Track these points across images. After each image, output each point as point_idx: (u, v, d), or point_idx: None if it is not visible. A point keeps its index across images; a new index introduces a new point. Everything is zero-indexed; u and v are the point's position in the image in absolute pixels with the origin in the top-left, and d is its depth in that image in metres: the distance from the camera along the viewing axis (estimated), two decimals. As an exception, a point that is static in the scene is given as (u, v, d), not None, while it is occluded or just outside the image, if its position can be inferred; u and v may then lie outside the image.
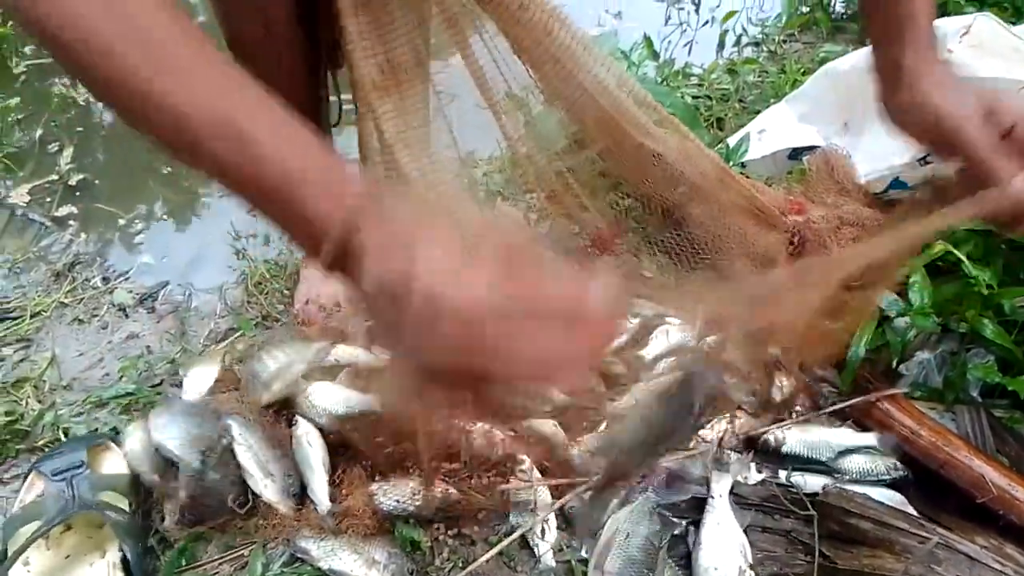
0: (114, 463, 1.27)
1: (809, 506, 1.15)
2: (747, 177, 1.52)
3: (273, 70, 1.30)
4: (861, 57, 1.58)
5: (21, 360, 1.52)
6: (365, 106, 1.34)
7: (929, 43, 0.93)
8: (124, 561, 1.14)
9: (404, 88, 1.32)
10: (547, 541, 1.15)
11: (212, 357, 1.42)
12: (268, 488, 1.21)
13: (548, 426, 1.27)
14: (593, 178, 1.63)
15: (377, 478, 1.22)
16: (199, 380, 1.37)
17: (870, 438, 1.24)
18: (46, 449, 1.33)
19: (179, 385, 1.40)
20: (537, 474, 1.21)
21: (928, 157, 1.35)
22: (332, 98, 1.47)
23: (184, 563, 1.16)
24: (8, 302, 1.65)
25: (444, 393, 0.59)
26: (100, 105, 2.24)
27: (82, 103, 2.23)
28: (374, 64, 1.29)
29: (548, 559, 1.13)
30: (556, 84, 1.39)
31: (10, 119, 2.14)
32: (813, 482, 1.20)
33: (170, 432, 1.23)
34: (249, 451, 1.23)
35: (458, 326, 0.51)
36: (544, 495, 1.19)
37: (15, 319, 1.60)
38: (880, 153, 1.46)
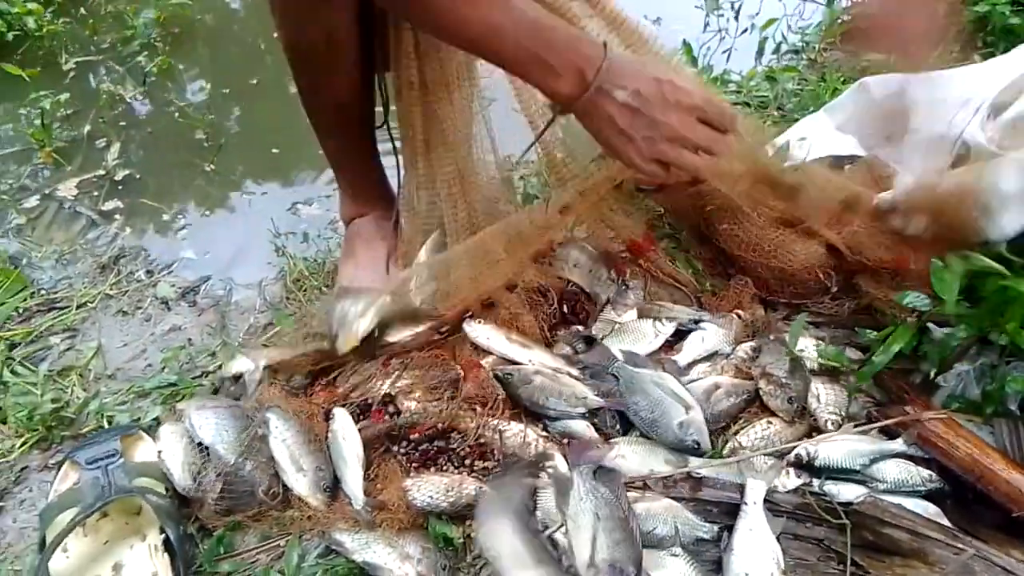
0: (147, 452, 1.31)
1: (843, 515, 1.14)
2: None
3: (331, 73, 1.35)
4: (894, 83, 1.56)
5: (67, 349, 1.57)
6: (415, 107, 1.37)
7: None
8: (166, 543, 1.17)
9: (453, 91, 1.35)
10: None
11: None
12: (299, 483, 1.24)
13: (581, 426, 1.28)
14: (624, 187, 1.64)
15: (411, 473, 1.23)
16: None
17: (898, 444, 1.23)
18: (90, 437, 1.36)
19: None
20: (568, 472, 1.21)
21: None
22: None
23: (222, 551, 1.19)
24: (55, 292, 1.69)
25: (664, 166, 1.05)
26: (146, 103, 2.30)
27: (129, 100, 2.29)
28: (428, 68, 1.32)
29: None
30: None
31: (59, 114, 2.20)
32: (847, 491, 1.19)
33: (207, 428, 1.27)
34: (283, 445, 1.26)
35: (683, 112, 1.01)
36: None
37: (62, 309, 1.65)
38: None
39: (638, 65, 1.00)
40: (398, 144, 1.50)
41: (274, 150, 2.11)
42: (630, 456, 1.24)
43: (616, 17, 1.35)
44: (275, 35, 1.37)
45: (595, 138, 1.08)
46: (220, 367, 1.47)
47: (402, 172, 1.53)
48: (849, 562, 1.10)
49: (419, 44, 1.32)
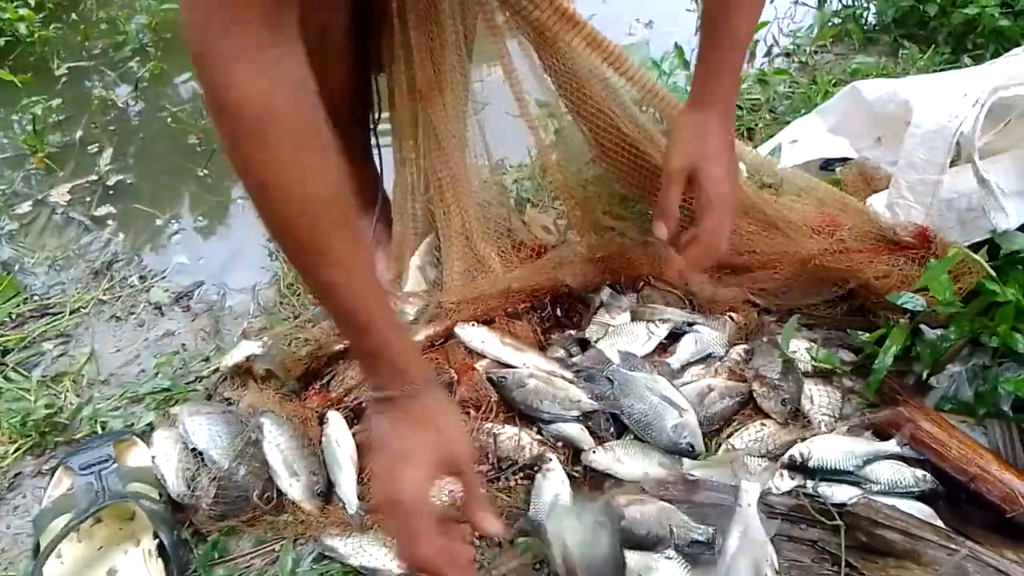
0: (141, 457, 1.30)
1: (836, 516, 1.14)
2: (775, 192, 1.53)
3: (325, 74, 1.35)
4: (885, 87, 1.57)
5: (60, 355, 1.56)
6: (408, 111, 1.38)
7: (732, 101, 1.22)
8: (159, 548, 1.17)
9: (446, 95, 1.35)
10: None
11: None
12: (293, 487, 1.23)
13: (575, 429, 1.28)
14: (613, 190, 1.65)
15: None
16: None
17: (891, 445, 1.23)
18: (83, 443, 1.35)
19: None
20: (564, 475, 1.21)
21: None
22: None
23: (217, 556, 1.18)
24: (48, 298, 1.69)
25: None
26: (138, 108, 2.29)
27: (121, 105, 2.29)
28: (422, 71, 1.32)
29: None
30: (579, 104, 1.42)
31: (51, 120, 2.20)
32: (840, 492, 1.20)
33: (201, 433, 1.26)
34: (276, 450, 1.26)
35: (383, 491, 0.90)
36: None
37: (55, 315, 1.65)
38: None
39: (409, 431, 0.89)
40: (387, 146, 1.50)
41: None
42: (624, 459, 1.24)
43: (595, 38, 1.39)
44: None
45: None
46: (215, 371, 1.47)
47: (391, 174, 1.53)
48: (843, 564, 1.10)
49: (413, 47, 1.33)
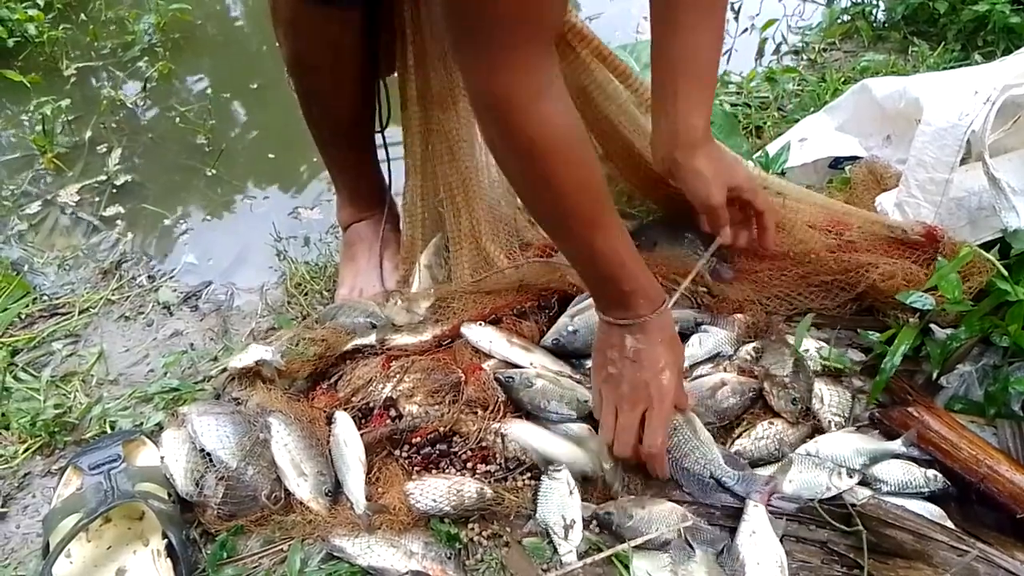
0: (150, 457, 1.30)
1: (856, 518, 1.13)
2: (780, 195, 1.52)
3: (336, 84, 1.38)
4: (895, 85, 1.56)
5: (70, 355, 1.57)
6: (419, 119, 1.39)
7: (708, 117, 1.28)
8: (168, 548, 1.17)
9: (458, 101, 1.36)
10: (570, 541, 1.15)
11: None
12: (301, 487, 1.24)
13: (583, 429, 1.28)
14: (620, 188, 1.65)
15: (413, 477, 1.23)
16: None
17: (897, 444, 1.23)
18: (92, 442, 1.36)
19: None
20: (569, 476, 1.21)
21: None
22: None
23: (225, 556, 1.18)
24: (58, 298, 1.70)
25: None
26: (147, 109, 2.30)
27: (130, 106, 2.29)
28: (435, 79, 1.33)
29: (570, 559, 1.14)
30: (583, 109, 1.43)
31: (60, 120, 2.20)
32: (850, 493, 1.19)
33: (209, 433, 1.27)
34: (284, 449, 1.26)
35: (635, 389, 1.15)
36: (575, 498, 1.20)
37: (64, 315, 1.65)
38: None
39: (668, 346, 1.15)
40: (396, 150, 1.51)
41: (270, 155, 2.12)
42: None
43: (601, 51, 1.41)
44: (277, 44, 1.38)
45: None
46: (224, 370, 1.47)
47: (400, 177, 1.54)
48: (866, 573, 1.09)
49: (425, 55, 1.34)
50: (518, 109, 0.93)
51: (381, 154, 1.60)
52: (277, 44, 1.38)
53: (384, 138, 1.55)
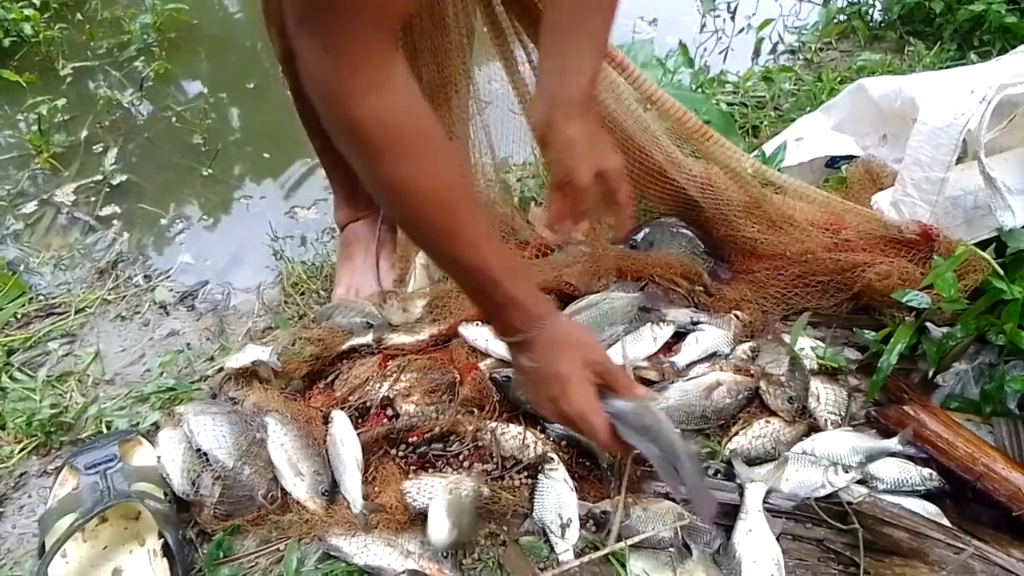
0: (146, 456, 1.30)
1: (853, 516, 1.13)
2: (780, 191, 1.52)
3: None
4: (891, 84, 1.57)
5: (66, 354, 1.56)
6: None
7: (592, 83, 1.16)
8: (164, 548, 1.16)
9: (451, 97, 1.36)
10: (567, 540, 1.15)
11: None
12: (297, 487, 1.24)
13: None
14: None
15: (410, 476, 1.23)
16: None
17: (893, 443, 1.23)
18: (88, 442, 1.35)
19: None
20: (567, 475, 1.21)
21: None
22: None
23: (222, 555, 1.18)
24: (54, 298, 1.69)
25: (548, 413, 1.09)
26: (143, 108, 2.30)
27: (126, 105, 2.29)
28: (427, 73, 1.33)
29: (567, 557, 1.14)
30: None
31: (56, 120, 2.20)
32: (846, 491, 1.19)
33: (206, 433, 1.27)
34: (281, 449, 1.26)
35: (549, 399, 1.06)
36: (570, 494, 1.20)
37: (60, 314, 1.65)
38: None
39: (557, 351, 1.04)
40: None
41: (265, 155, 2.12)
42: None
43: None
44: (271, 44, 1.37)
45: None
46: (220, 370, 1.47)
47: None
48: (863, 570, 1.09)
49: (417, 49, 1.33)
50: (351, 100, 0.84)
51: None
52: (271, 44, 1.37)
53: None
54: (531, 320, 1.02)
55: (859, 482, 1.20)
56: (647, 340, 1.39)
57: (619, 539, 1.13)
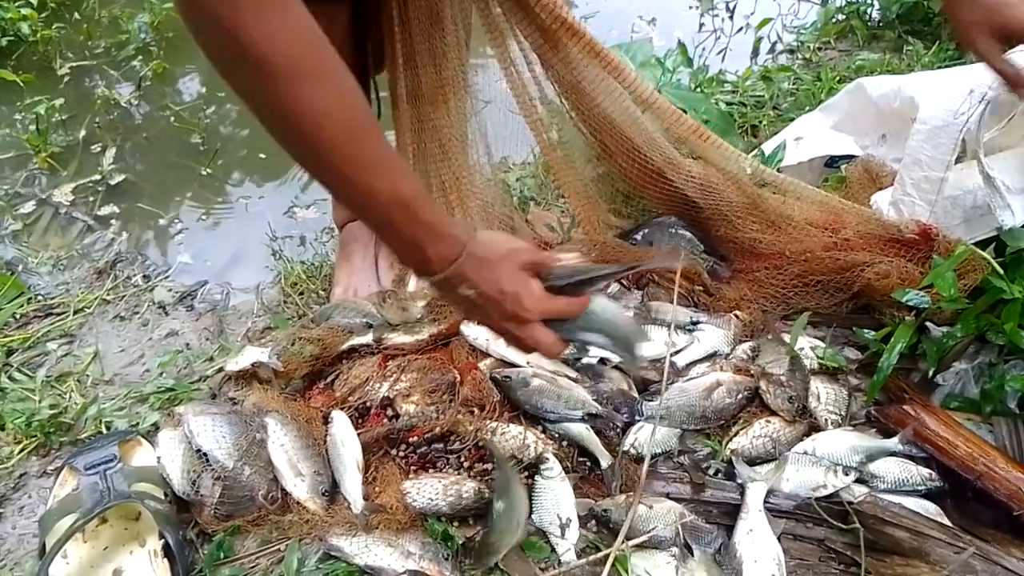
0: (146, 457, 1.30)
1: (854, 516, 1.13)
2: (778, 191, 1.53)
3: None
4: (890, 83, 1.57)
5: (65, 355, 1.56)
6: (411, 116, 1.38)
7: None
8: (165, 549, 1.16)
9: (449, 98, 1.36)
10: (568, 540, 1.15)
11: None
12: (298, 487, 1.24)
13: (580, 429, 1.28)
14: (617, 188, 1.66)
15: (410, 476, 1.23)
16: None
17: (893, 442, 1.23)
18: (88, 443, 1.35)
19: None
20: (564, 474, 1.21)
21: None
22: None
23: (222, 556, 1.18)
24: (52, 298, 1.69)
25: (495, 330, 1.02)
26: (141, 108, 2.29)
27: (124, 105, 2.28)
28: (425, 76, 1.33)
29: (568, 557, 1.14)
30: (579, 106, 1.46)
31: (55, 120, 2.19)
32: (847, 490, 1.19)
33: (206, 433, 1.27)
34: (281, 449, 1.26)
35: (505, 317, 0.98)
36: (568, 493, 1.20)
37: (59, 315, 1.64)
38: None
39: (493, 269, 0.97)
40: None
41: (261, 155, 2.11)
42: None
43: (594, 47, 1.38)
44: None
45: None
46: (219, 370, 1.47)
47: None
48: (864, 570, 1.09)
49: (414, 53, 1.33)
50: (244, 23, 0.78)
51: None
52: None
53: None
54: (457, 245, 0.95)
55: (859, 482, 1.20)
56: (655, 341, 1.39)
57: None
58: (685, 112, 1.47)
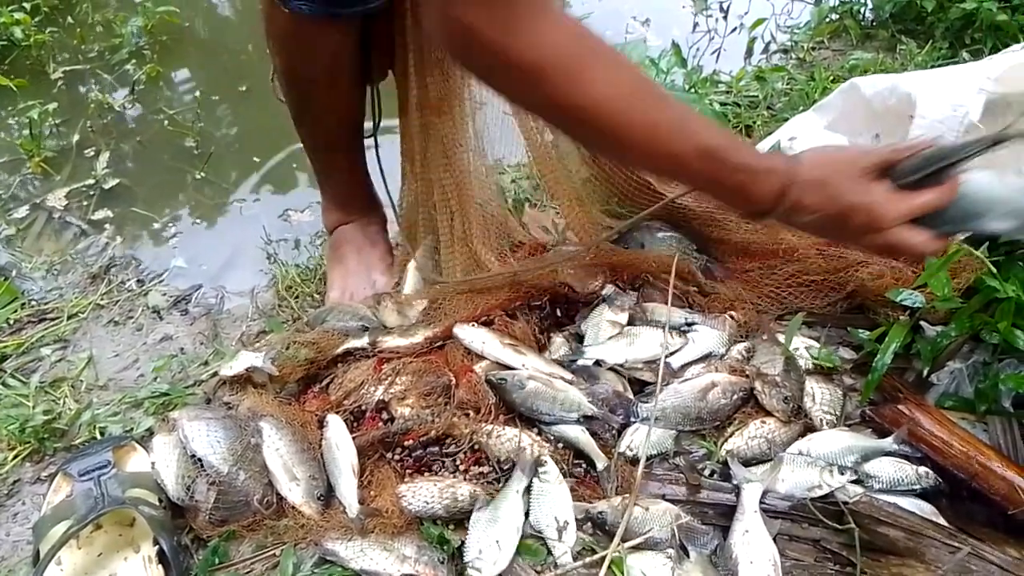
0: (140, 462, 1.30)
1: (849, 516, 1.13)
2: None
3: (334, 90, 1.37)
4: (885, 82, 1.57)
5: (58, 360, 1.56)
6: (418, 123, 1.38)
7: None
8: (159, 555, 1.16)
9: (455, 106, 1.37)
10: (564, 542, 1.15)
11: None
12: (293, 492, 1.23)
13: (576, 431, 1.28)
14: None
15: (406, 479, 1.23)
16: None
17: (888, 442, 1.23)
18: (82, 448, 1.35)
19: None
20: (561, 477, 1.21)
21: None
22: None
23: (217, 561, 1.18)
24: (46, 303, 1.68)
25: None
26: (135, 112, 2.29)
27: (117, 109, 2.28)
28: (433, 84, 1.34)
29: (565, 560, 1.14)
30: None
31: (48, 124, 2.19)
32: (842, 491, 1.19)
33: (200, 438, 1.26)
34: (276, 454, 1.25)
35: (861, 231, 0.96)
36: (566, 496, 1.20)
37: (53, 320, 1.64)
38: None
39: (830, 187, 0.95)
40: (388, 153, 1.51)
41: (255, 158, 2.10)
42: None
43: None
44: (267, 51, 1.37)
45: None
46: (214, 375, 1.47)
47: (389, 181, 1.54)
48: (859, 570, 1.09)
49: (423, 61, 1.33)
50: (517, 37, 0.81)
51: (371, 156, 1.60)
52: (268, 51, 1.36)
53: (376, 142, 1.54)
54: (781, 177, 0.94)
55: (855, 482, 1.20)
56: (650, 343, 1.39)
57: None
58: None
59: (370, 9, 1.24)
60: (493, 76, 0.87)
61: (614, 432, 1.29)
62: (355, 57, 1.35)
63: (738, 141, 0.99)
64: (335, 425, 1.28)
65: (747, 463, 1.24)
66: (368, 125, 1.54)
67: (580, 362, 1.37)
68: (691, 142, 0.90)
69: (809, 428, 1.29)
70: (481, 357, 1.38)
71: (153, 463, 1.26)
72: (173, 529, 1.21)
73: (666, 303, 1.46)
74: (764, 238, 1.47)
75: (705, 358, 1.39)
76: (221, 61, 2.58)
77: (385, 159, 1.63)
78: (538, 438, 1.28)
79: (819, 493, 1.18)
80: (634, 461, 1.23)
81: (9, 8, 2.47)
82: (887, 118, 1.58)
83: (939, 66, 1.96)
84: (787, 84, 2.15)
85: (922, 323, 1.32)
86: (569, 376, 1.34)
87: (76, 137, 2.17)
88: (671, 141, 0.90)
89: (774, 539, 1.12)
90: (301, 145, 1.57)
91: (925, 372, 1.31)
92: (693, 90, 2.09)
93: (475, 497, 1.18)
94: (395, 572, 1.12)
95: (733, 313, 1.44)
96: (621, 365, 1.37)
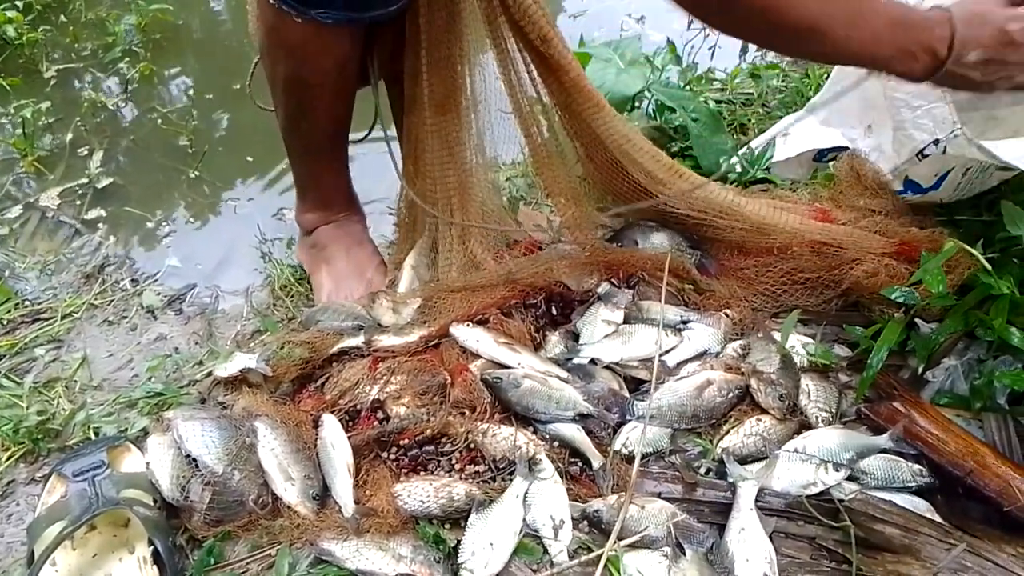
0: (134, 463, 1.29)
1: (844, 513, 1.13)
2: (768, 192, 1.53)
3: (336, 96, 1.37)
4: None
5: (52, 360, 1.55)
6: (424, 123, 1.39)
7: None
8: (154, 555, 1.15)
9: (460, 104, 1.37)
10: (560, 541, 1.15)
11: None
12: (288, 492, 1.23)
13: (572, 429, 1.28)
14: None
15: (401, 479, 1.23)
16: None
17: (883, 439, 1.23)
18: (76, 449, 1.34)
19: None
20: (557, 476, 1.21)
21: (925, 150, 1.38)
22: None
23: (212, 562, 1.18)
24: (40, 303, 1.68)
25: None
26: (128, 110, 2.28)
27: (111, 107, 2.27)
28: (439, 84, 1.34)
29: (562, 558, 1.14)
30: (573, 124, 1.49)
31: (41, 123, 2.18)
32: (837, 488, 1.20)
33: (195, 438, 1.26)
34: (271, 454, 1.25)
35: None
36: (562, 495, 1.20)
37: (46, 320, 1.63)
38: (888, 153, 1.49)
39: (980, 20, 1.05)
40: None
41: (249, 158, 2.10)
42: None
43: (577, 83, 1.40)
44: (259, 56, 1.37)
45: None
46: (209, 375, 1.46)
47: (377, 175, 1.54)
48: (855, 567, 1.09)
49: (431, 61, 1.34)
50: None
51: (371, 156, 1.61)
52: (264, 60, 1.35)
53: (387, 139, 1.53)
54: (947, 23, 1.03)
55: (850, 479, 1.20)
56: (645, 341, 1.39)
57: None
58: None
59: (391, 12, 1.22)
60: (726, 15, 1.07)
61: (610, 430, 1.29)
62: (359, 61, 1.35)
63: (903, 5, 1.08)
64: (330, 425, 1.28)
65: (743, 461, 1.25)
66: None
67: (576, 360, 1.37)
68: (881, 18, 1.03)
69: (805, 426, 1.29)
70: (476, 356, 1.38)
71: (148, 463, 1.26)
72: (168, 530, 1.20)
73: (660, 301, 1.46)
74: (760, 238, 1.46)
75: (701, 356, 1.39)
76: (215, 59, 2.57)
77: (376, 161, 1.63)
78: (534, 437, 1.28)
79: (815, 490, 1.18)
80: (630, 459, 1.23)
81: (2, 6, 2.46)
82: (878, 108, 1.58)
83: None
84: (782, 81, 2.15)
85: (917, 320, 1.33)
86: (565, 374, 1.34)
87: (69, 136, 2.16)
88: (867, 24, 1.03)
89: (770, 537, 1.13)
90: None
91: (920, 369, 1.31)
92: (688, 88, 2.09)
93: (471, 496, 1.18)
94: (391, 572, 1.12)
95: (728, 311, 1.44)
96: (617, 363, 1.37)
